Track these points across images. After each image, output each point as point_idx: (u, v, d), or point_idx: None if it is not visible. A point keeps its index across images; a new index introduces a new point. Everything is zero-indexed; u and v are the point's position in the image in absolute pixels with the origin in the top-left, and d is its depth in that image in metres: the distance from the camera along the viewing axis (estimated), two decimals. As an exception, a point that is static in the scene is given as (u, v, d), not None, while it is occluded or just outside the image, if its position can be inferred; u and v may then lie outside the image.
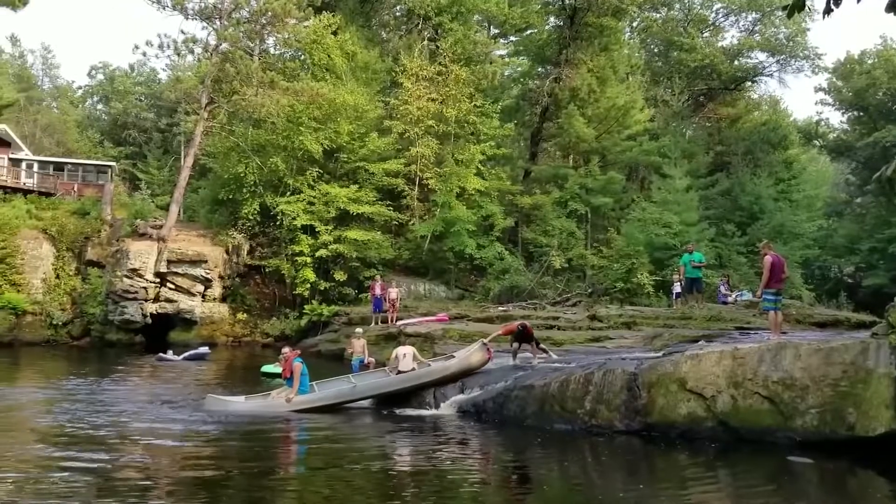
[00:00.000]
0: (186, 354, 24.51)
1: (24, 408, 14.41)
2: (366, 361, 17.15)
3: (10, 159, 39.82)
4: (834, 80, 50.16)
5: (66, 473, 8.71)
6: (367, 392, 14.34)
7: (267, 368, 19.91)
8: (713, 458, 9.98)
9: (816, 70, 49.04)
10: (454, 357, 14.67)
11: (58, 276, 32.47)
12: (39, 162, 41.73)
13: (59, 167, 42.16)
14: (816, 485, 8.97)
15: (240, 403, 14.19)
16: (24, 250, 31.68)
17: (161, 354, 24.44)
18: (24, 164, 40.59)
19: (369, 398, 14.46)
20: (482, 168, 35.51)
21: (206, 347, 26.14)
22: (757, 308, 19.45)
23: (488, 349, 14.49)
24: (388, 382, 14.38)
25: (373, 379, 14.92)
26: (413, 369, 14.34)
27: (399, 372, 14.34)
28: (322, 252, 31.60)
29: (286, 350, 14.84)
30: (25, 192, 37.32)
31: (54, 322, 31.31)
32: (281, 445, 11.55)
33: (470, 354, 14.31)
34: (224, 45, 33.76)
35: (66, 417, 12.94)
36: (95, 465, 9.12)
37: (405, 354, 14.67)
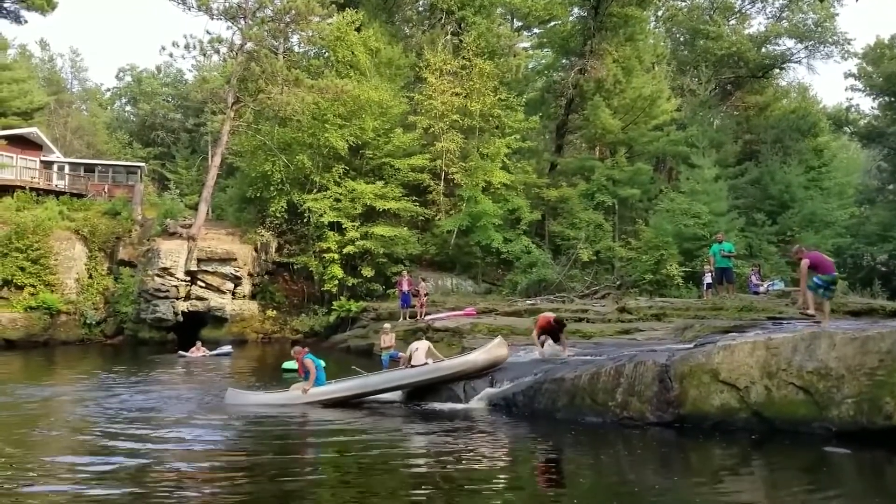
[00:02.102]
0: (213, 353, 25.04)
1: (56, 405, 14.67)
2: (398, 357, 17.30)
3: (41, 162, 40.57)
4: (864, 65, 49.27)
5: (96, 465, 8.87)
6: (383, 385, 14.37)
7: (288, 365, 20.02)
8: (748, 449, 9.87)
9: (846, 56, 48.25)
10: (472, 352, 14.70)
11: (90, 276, 33.04)
12: (70, 164, 42.45)
13: (89, 168, 42.86)
14: (854, 476, 8.85)
15: (259, 396, 14.57)
16: (57, 251, 32.26)
17: (181, 352, 25.07)
18: (55, 167, 41.31)
19: (386, 391, 14.47)
20: (508, 162, 35.41)
21: (230, 347, 26.47)
22: (790, 297, 19.27)
23: (508, 345, 14.51)
24: (404, 375, 14.44)
25: (390, 373, 15.02)
26: (426, 363, 14.39)
27: (412, 367, 14.39)
28: (349, 248, 31.79)
29: (295, 350, 15.05)
30: (57, 193, 38.03)
31: (88, 321, 31.90)
32: (310, 440, 11.62)
33: (488, 350, 14.30)
34: (249, 45, 34.01)
35: (96, 412, 13.33)
36: (122, 460, 9.29)
37: (417, 349, 14.75)
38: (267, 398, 14.47)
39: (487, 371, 14.14)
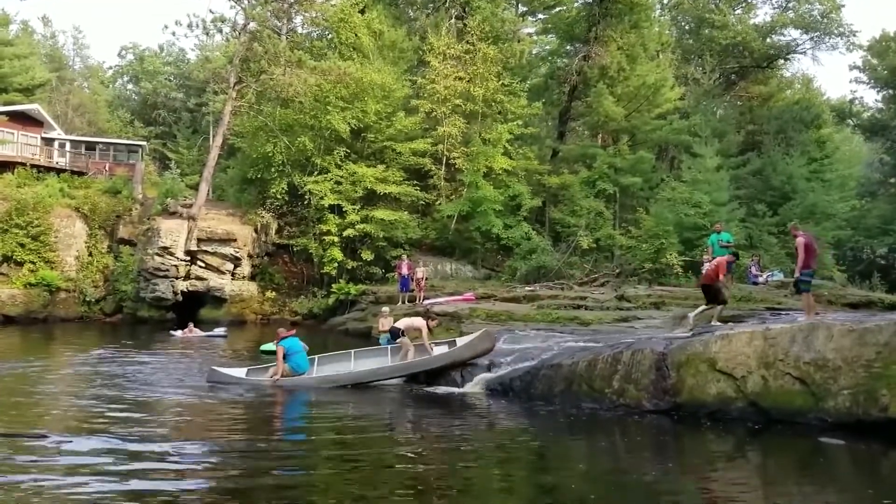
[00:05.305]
0: (205, 334, 25.20)
1: (49, 381, 14.74)
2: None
3: (42, 138, 40.47)
4: (869, 57, 49.07)
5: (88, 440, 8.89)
6: (363, 379, 14.25)
7: (266, 347, 19.97)
8: (743, 438, 9.92)
9: (851, 47, 47.90)
10: (456, 346, 14.75)
11: (90, 254, 33.06)
12: (71, 141, 42.35)
13: (90, 146, 42.76)
14: (849, 466, 8.90)
15: (239, 376, 14.53)
16: (57, 228, 32.26)
17: (172, 332, 25.25)
18: (56, 144, 41.22)
19: (367, 382, 14.33)
20: (509, 147, 35.29)
21: (224, 329, 26.54)
22: (788, 289, 19.27)
23: (494, 336, 14.51)
24: (389, 370, 14.44)
25: (373, 364, 14.97)
26: (389, 330, 15.42)
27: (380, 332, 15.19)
28: (349, 231, 31.79)
29: (279, 331, 15.11)
30: (58, 170, 37.94)
31: (87, 299, 31.97)
32: (301, 424, 11.63)
33: (473, 342, 14.29)
34: (252, 25, 33.91)
35: (89, 388, 13.58)
36: (112, 433, 9.34)
37: (392, 320, 16.20)
38: (250, 378, 14.45)
39: (474, 360, 14.17)
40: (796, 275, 12.96)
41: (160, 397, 12.96)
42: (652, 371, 11.32)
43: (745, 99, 49.82)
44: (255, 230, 33.94)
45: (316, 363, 14.98)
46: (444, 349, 14.93)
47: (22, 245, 31.10)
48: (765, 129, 44.91)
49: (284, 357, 14.29)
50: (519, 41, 39.67)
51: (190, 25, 33.99)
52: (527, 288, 26.87)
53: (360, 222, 31.82)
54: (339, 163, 33.05)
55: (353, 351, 15.58)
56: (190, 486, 7.26)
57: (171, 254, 31.62)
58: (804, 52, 48.59)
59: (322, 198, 32.11)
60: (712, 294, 14.12)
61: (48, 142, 40.84)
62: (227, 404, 12.47)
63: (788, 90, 51.28)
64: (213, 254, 32.48)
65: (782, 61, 50.04)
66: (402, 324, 15.20)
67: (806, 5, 46.88)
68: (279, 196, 33.38)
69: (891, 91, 49.07)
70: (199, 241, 32.15)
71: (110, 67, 71.52)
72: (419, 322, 15.11)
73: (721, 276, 14.27)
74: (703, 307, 14.45)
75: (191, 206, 32.84)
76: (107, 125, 55.84)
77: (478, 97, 34.05)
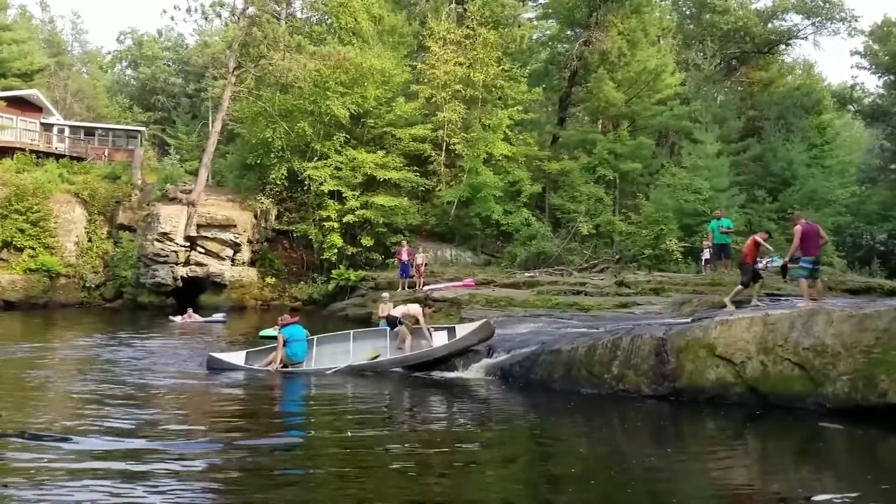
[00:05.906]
0: (204, 320, 25.23)
1: (45, 367, 14.75)
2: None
3: (41, 124, 40.37)
4: (870, 43, 48.79)
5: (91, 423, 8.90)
6: (361, 369, 14.23)
7: (265, 332, 19.90)
8: (742, 423, 9.94)
9: (853, 33, 47.71)
10: (456, 330, 14.74)
11: (90, 240, 33.11)
12: (70, 126, 42.27)
13: (89, 132, 42.66)
14: (847, 451, 8.92)
15: (237, 363, 14.53)
16: (57, 214, 32.31)
17: (171, 318, 25.28)
18: (55, 129, 41.14)
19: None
20: (509, 133, 35.23)
21: (223, 315, 26.59)
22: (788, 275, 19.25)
23: (493, 326, 14.50)
24: (388, 363, 14.42)
25: (372, 346, 15.07)
26: (387, 319, 15.53)
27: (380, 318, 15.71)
28: (349, 217, 31.77)
29: (282, 318, 15.12)
30: (57, 156, 37.90)
31: (87, 284, 32.03)
32: (299, 415, 11.59)
33: (471, 333, 14.30)
34: (251, 9, 33.74)
35: (85, 375, 13.60)
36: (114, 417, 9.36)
37: (392, 307, 16.02)
38: (248, 366, 14.43)
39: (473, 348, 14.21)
40: (785, 259, 13.24)
41: (156, 386, 12.81)
42: (651, 356, 11.33)
43: (745, 84, 49.70)
44: (255, 216, 33.93)
45: (315, 343, 15.00)
46: (443, 335, 14.95)
47: (21, 230, 31.14)
48: (765, 114, 44.81)
49: (283, 344, 14.31)
50: (519, 26, 39.52)
51: (189, 10, 33.94)
52: (526, 274, 26.89)
53: (359, 208, 31.80)
54: (339, 148, 32.98)
55: (351, 332, 15.61)
56: (186, 485, 7.03)
57: (171, 239, 31.64)
58: (805, 37, 48.47)
59: (322, 183, 32.08)
60: (748, 273, 14.36)
61: (47, 127, 40.75)
62: (224, 394, 12.38)
63: (789, 76, 51.13)
64: (213, 239, 32.49)
65: (783, 47, 49.85)
66: (398, 312, 15.19)
67: (808, -11, 46.63)
68: (279, 182, 33.34)
69: (892, 77, 48.82)
70: (199, 226, 32.15)
71: (109, 52, 71.38)
72: (415, 309, 15.11)
73: (757, 245, 14.36)
74: (756, 287, 14.68)
75: (190, 191, 32.81)
76: (105, 110, 55.70)
77: (478, 82, 33.96)
